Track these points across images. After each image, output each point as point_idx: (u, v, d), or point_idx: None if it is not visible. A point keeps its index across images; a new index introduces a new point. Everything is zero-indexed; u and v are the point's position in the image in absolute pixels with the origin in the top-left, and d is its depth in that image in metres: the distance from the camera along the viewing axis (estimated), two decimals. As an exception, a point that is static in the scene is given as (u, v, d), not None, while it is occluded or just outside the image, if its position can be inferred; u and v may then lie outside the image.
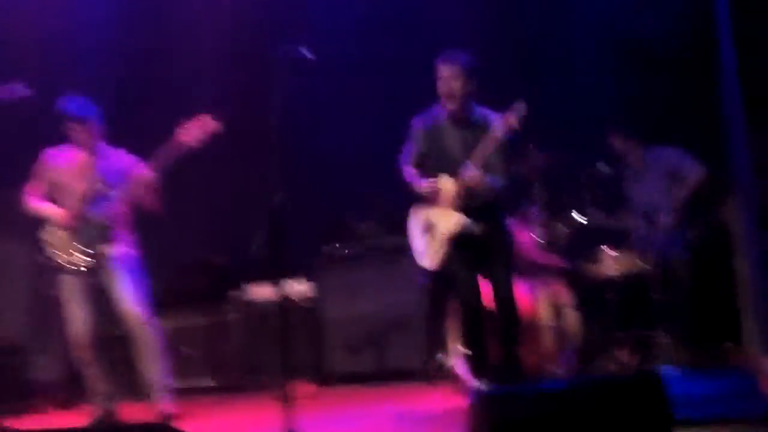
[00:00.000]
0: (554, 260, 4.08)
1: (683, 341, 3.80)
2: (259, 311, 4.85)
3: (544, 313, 3.89)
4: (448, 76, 3.41)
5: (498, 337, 3.49)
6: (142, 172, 3.70)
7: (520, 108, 3.31)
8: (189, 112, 3.76)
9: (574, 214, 4.09)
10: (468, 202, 3.40)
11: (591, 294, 4.12)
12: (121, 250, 3.78)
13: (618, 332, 3.89)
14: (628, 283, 3.96)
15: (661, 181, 4.16)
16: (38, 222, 3.82)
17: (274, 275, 4.59)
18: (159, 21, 5.25)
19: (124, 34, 5.22)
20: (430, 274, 3.57)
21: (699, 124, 4.43)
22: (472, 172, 3.33)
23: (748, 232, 3.92)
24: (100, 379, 3.79)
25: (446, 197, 3.44)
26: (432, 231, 3.49)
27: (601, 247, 4.06)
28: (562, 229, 4.09)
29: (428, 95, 4.59)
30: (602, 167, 4.15)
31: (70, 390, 4.55)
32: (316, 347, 4.68)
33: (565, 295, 4.03)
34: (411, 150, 3.59)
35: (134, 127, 4.12)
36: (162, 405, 3.74)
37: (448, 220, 3.43)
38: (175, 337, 4.66)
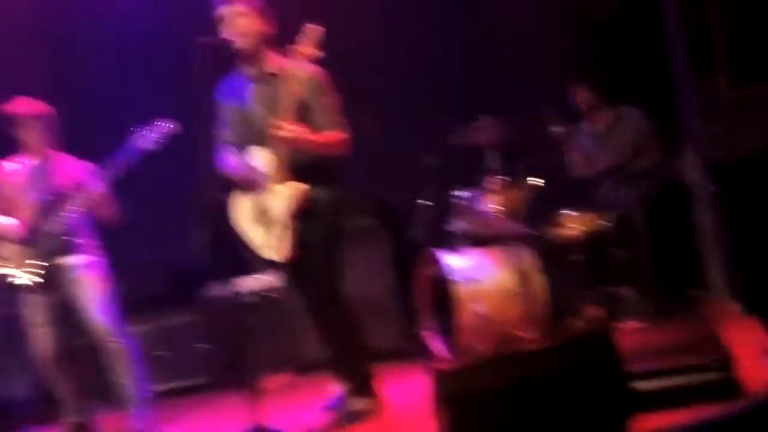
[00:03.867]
0: (516, 228, 4.08)
1: (648, 293, 3.85)
2: (229, 307, 4.82)
3: (511, 280, 3.90)
4: (234, 15, 2.95)
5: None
6: (96, 182, 3.59)
7: (313, 31, 2.88)
8: (129, 112, 3.71)
9: (531, 180, 4.09)
10: (297, 166, 2.95)
11: (556, 257, 4.14)
12: (83, 259, 3.69)
13: (585, 291, 3.92)
14: (590, 242, 3.97)
15: (626, 143, 4.16)
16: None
17: (239, 270, 4.59)
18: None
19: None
20: (282, 265, 3.08)
21: (645, 75, 4.45)
22: (284, 129, 2.85)
23: (701, 180, 3.96)
24: (70, 394, 3.71)
25: (269, 172, 2.98)
26: (267, 217, 3.03)
27: (562, 209, 4.08)
28: (521, 196, 4.09)
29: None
30: (556, 129, 4.15)
31: (44, 406, 4.51)
32: (290, 337, 4.67)
33: (531, 261, 4.04)
34: (224, 135, 3.14)
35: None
36: (137, 417, 3.68)
37: (283, 197, 2.98)
38: (152, 340, 4.64)
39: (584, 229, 3.98)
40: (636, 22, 4.44)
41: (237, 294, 4.72)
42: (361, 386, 3.20)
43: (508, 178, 3.99)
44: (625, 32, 4.49)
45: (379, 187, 4.81)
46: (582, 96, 4.28)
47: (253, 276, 4.71)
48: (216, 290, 4.88)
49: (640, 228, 3.93)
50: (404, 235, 4.56)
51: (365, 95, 4.69)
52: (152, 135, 3.53)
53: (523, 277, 3.86)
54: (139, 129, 3.53)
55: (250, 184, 3.07)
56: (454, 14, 4.89)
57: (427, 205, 4.39)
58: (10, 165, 3.78)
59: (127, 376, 3.68)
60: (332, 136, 3.04)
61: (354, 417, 3.12)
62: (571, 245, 4.00)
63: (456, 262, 4.02)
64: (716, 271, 4.02)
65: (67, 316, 3.74)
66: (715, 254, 3.94)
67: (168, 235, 4.99)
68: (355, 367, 3.22)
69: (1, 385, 4.70)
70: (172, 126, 3.54)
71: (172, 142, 3.56)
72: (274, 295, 4.75)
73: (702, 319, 3.25)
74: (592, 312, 3.86)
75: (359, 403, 3.15)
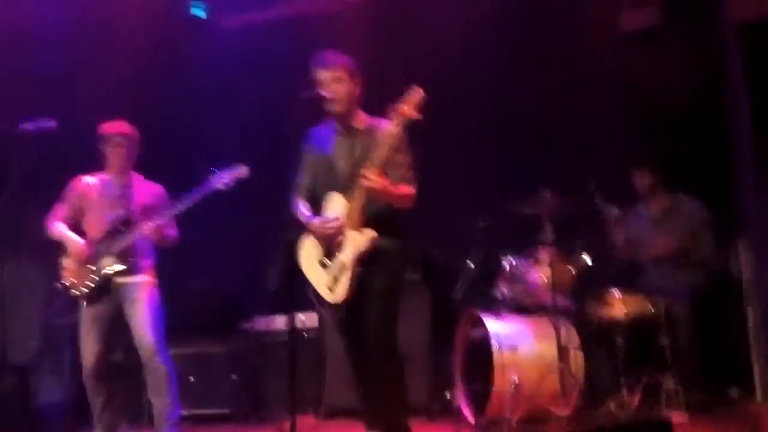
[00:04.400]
0: (561, 301, 4.04)
1: (690, 386, 3.73)
2: (268, 343, 4.85)
3: (550, 354, 3.85)
4: (330, 80, 3.14)
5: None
6: (165, 209, 3.75)
7: (415, 94, 2.99)
8: (213, 150, 3.82)
9: (583, 256, 4.06)
10: (369, 215, 3.07)
11: (598, 336, 4.05)
12: (140, 279, 3.80)
13: (625, 375, 3.83)
14: (635, 326, 3.88)
15: (679, 231, 4.11)
16: (55, 247, 3.84)
17: (284, 307, 4.62)
18: (183, 61, 5.34)
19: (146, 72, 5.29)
20: (339, 307, 3.14)
21: (708, 169, 4.45)
22: (368, 179, 2.97)
23: (755, 278, 3.89)
24: (106, 408, 3.77)
25: (343, 217, 3.11)
26: (330, 259, 3.13)
27: (609, 289, 4.03)
28: (570, 271, 4.06)
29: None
30: (613, 210, 4.13)
31: (74, 414, 4.54)
32: (320, 380, 4.64)
33: (572, 336, 3.99)
34: (300, 179, 3.29)
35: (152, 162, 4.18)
36: None
37: (352, 242, 3.08)
38: (185, 365, 4.65)
39: (629, 311, 3.91)
40: (703, 114, 4.46)
41: (274, 331, 4.85)
42: None
43: (558, 251, 3.97)
44: (692, 124, 4.50)
45: (427, 244, 4.82)
46: (642, 180, 4.27)
47: (292, 314, 4.73)
48: (255, 324, 4.93)
49: (687, 318, 3.84)
50: (446, 293, 4.55)
51: (426, 153, 4.77)
52: (226, 178, 3.67)
53: (562, 352, 3.80)
54: (216, 170, 3.68)
55: (316, 233, 3.20)
56: (523, 85, 4.94)
57: (474, 267, 4.39)
58: (91, 179, 3.93)
59: (163, 395, 3.73)
60: (404, 190, 3.16)
61: None
62: (614, 326, 3.93)
63: (497, 327, 3.99)
64: (762, 372, 3.91)
65: (117, 332, 3.81)
66: (762, 354, 3.84)
67: (219, 267, 5.08)
68: (396, 420, 3.19)
69: (40, 392, 4.76)
70: (245, 172, 3.68)
71: (243, 182, 3.70)
72: (310, 337, 4.77)
73: (747, 422, 3.14)
74: (630, 398, 3.76)
75: None
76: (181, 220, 3.92)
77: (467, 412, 4.09)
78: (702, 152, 4.49)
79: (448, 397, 4.31)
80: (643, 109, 4.73)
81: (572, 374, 3.82)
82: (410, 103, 3.01)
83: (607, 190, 4.27)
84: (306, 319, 4.81)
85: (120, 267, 3.74)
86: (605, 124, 4.76)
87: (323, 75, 3.18)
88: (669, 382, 3.69)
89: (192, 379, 4.74)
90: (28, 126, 3.77)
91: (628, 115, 4.75)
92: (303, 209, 3.27)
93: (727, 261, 4.22)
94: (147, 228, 3.71)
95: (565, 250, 4.05)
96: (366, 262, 3.09)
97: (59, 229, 3.86)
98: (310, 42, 3.64)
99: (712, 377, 3.86)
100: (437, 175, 4.80)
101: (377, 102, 3.15)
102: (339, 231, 3.12)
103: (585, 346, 3.98)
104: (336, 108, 3.18)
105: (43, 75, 5.07)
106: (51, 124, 3.82)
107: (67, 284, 3.78)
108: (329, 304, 3.17)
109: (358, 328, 3.17)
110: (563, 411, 3.65)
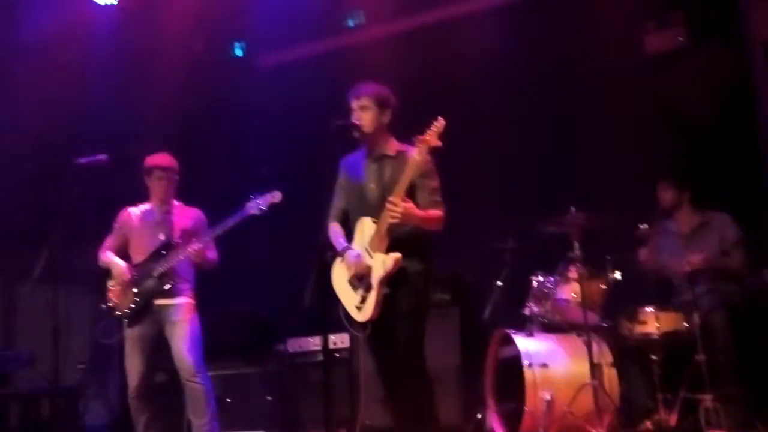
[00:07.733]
0: (593, 318, 3.80)
1: (730, 404, 3.44)
2: (301, 363, 4.73)
3: (582, 371, 3.61)
4: (358, 108, 3.15)
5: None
6: (204, 234, 3.71)
7: (438, 123, 2.96)
8: (251, 177, 3.78)
9: (614, 274, 3.83)
10: (396, 238, 3.01)
11: (631, 353, 3.79)
12: (181, 301, 3.76)
13: (661, 393, 3.55)
14: (669, 342, 3.62)
15: (710, 248, 3.86)
16: (103, 273, 3.85)
17: (316, 329, 4.50)
18: (222, 93, 5.37)
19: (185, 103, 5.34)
20: (367, 326, 3.06)
21: (738, 183, 4.20)
22: (393, 205, 2.93)
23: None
24: (149, 427, 3.71)
25: (369, 240, 3.07)
26: (362, 280, 3.08)
27: (642, 305, 3.78)
28: (600, 287, 3.83)
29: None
30: (643, 228, 3.91)
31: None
32: (353, 400, 4.48)
33: (604, 353, 3.74)
34: (334, 203, 3.26)
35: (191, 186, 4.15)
36: None
37: (379, 263, 3.02)
38: (222, 386, 4.55)
39: (663, 327, 3.65)
40: (732, 131, 4.24)
41: (307, 352, 4.76)
42: None
43: (588, 268, 3.75)
44: (721, 139, 4.28)
45: (456, 264, 4.65)
46: (665, 194, 4.04)
47: (326, 333, 4.60)
48: (289, 346, 4.83)
49: (724, 333, 3.56)
50: (476, 313, 4.36)
51: (455, 176, 4.65)
52: (261, 203, 3.60)
53: (595, 369, 3.56)
54: (252, 196, 3.62)
55: (344, 257, 3.15)
56: (548, 103, 4.79)
57: (503, 286, 4.20)
58: (137, 210, 3.94)
59: (202, 415, 3.67)
60: (432, 213, 3.09)
61: None
62: (648, 343, 3.67)
63: (528, 345, 3.78)
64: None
65: (156, 353, 3.77)
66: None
67: (254, 291, 5.02)
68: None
69: (87, 413, 4.73)
70: (278, 197, 3.62)
71: (279, 208, 3.62)
72: (342, 357, 4.63)
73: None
74: (667, 416, 3.48)
75: None
76: (220, 245, 3.88)
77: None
78: (731, 169, 4.25)
79: (480, 417, 4.09)
80: (672, 129, 4.52)
81: (606, 392, 3.57)
82: (433, 132, 2.98)
83: (635, 208, 4.06)
84: (337, 340, 4.67)
85: (161, 288, 3.69)
86: (633, 144, 4.55)
87: (353, 104, 3.20)
88: (707, 400, 3.40)
89: (229, 399, 4.64)
90: (82, 160, 3.80)
91: (656, 135, 4.54)
92: (337, 235, 3.24)
93: (762, 277, 3.94)
94: (190, 249, 3.67)
95: (595, 266, 3.83)
96: (392, 283, 3.03)
97: (107, 256, 3.88)
98: (345, 74, 3.60)
99: (753, 395, 3.55)
100: (466, 197, 4.67)
101: (411, 127, 3.07)
102: (368, 268, 3.06)
103: (619, 363, 3.73)
104: (363, 134, 3.16)
105: (94, 114, 5.16)
106: (103, 158, 3.85)
107: (111, 305, 3.77)
108: (357, 324, 3.10)
109: (386, 348, 3.11)
110: (598, 430, 3.40)
